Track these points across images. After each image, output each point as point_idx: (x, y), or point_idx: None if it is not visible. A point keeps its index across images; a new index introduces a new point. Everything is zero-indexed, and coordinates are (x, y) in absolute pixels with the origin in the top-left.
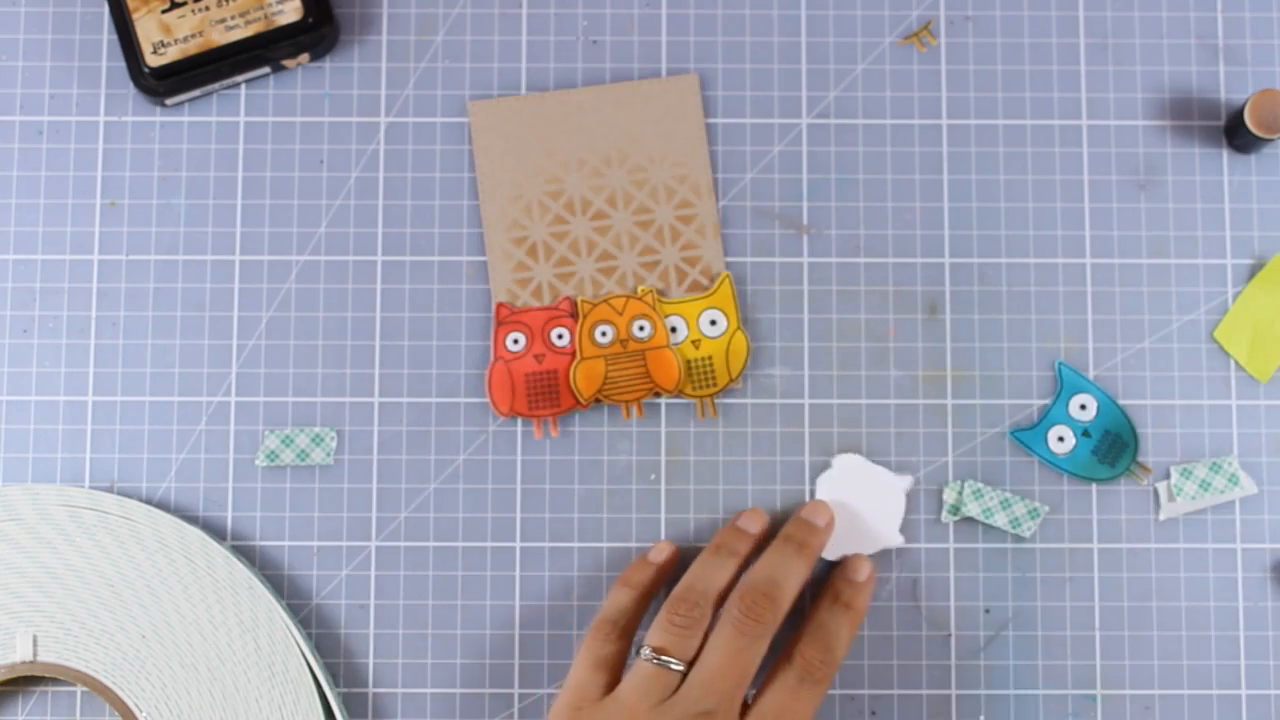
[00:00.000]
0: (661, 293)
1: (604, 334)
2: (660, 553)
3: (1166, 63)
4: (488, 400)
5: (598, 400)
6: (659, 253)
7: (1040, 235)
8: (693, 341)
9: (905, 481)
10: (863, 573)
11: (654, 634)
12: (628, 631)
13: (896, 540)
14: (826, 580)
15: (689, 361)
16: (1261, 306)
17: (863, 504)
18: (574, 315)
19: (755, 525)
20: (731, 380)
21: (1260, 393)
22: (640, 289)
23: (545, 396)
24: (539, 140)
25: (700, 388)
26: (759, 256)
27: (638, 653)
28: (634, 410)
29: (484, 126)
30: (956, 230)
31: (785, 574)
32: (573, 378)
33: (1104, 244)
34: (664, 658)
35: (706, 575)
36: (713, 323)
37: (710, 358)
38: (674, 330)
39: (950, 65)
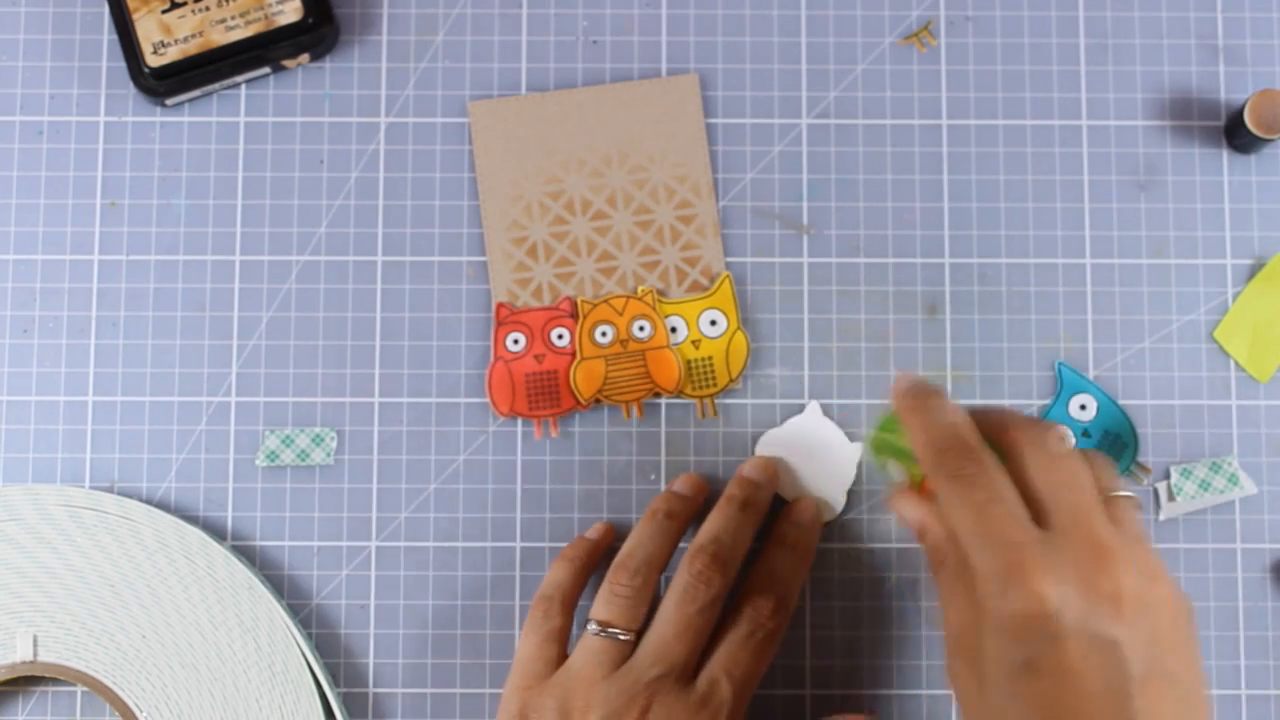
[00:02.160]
0: (661, 293)
1: (604, 334)
2: (596, 530)
3: (1166, 63)
4: (488, 400)
5: (598, 400)
6: (659, 253)
7: (1040, 235)
8: (693, 341)
9: (856, 450)
10: (807, 514)
11: (597, 606)
12: (567, 606)
13: (838, 505)
14: (773, 524)
15: (689, 362)
16: (1261, 306)
17: (811, 461)
18: (574, 315)
19: (690, 489)
20: (731, 380)
21: (1260, 393)
22: (640, 289)
23: (545, 396)
24: (539, 140)
25: (700, 388)
26: (759, 256)
27: (584, 627)
28: (634, 410)
29: (484, 126)
30: (956, 230)
31: (731, 534)
32: (573, 378)
33: (1104, 244)
34: (610, 629)
35: (645, 543)
36: (713, 323)
37: (710, 358)
38: (674, 330)
39: (950, 65)
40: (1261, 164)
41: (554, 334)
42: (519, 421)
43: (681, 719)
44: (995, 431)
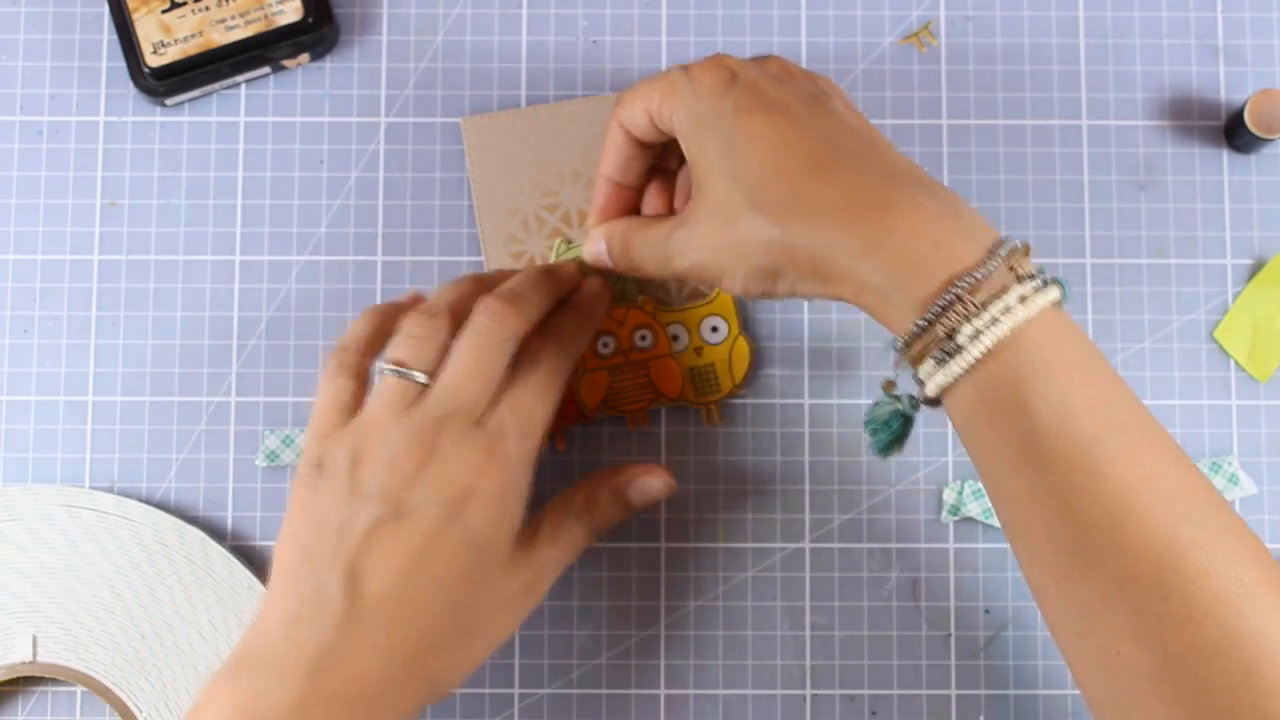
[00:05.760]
0: (661, 301)
1: (605, 345)
2: (405, 296)
3: (1166, 63)
4: None
5: (602, 412)
6: None
7: (1040, 235)
8: (695, 349)
9: None
10: (595, 283)
11: (390, 349)
12: (363, 358)
13: None
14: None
15: (692, 369)
16: (1261, 306)
17: None
18: None
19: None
20: (735, 386)
21: (1260, 393)
22: (640, 298)
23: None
24: (533, 154)
25: (704, 394)
26: None
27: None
28: (639, 421)
29: (477, 143)
30: None
31: (529, 287)
32: (576, 391)
33: (1104, 244)
34: (403, 369)
35: (446, 294)
36: (714, 329)
37: (713, 364)
38: (675, 339)
39: (950, 65)
40: (1261, 164)
41: None
42: None
43: (467, 459)
44: None
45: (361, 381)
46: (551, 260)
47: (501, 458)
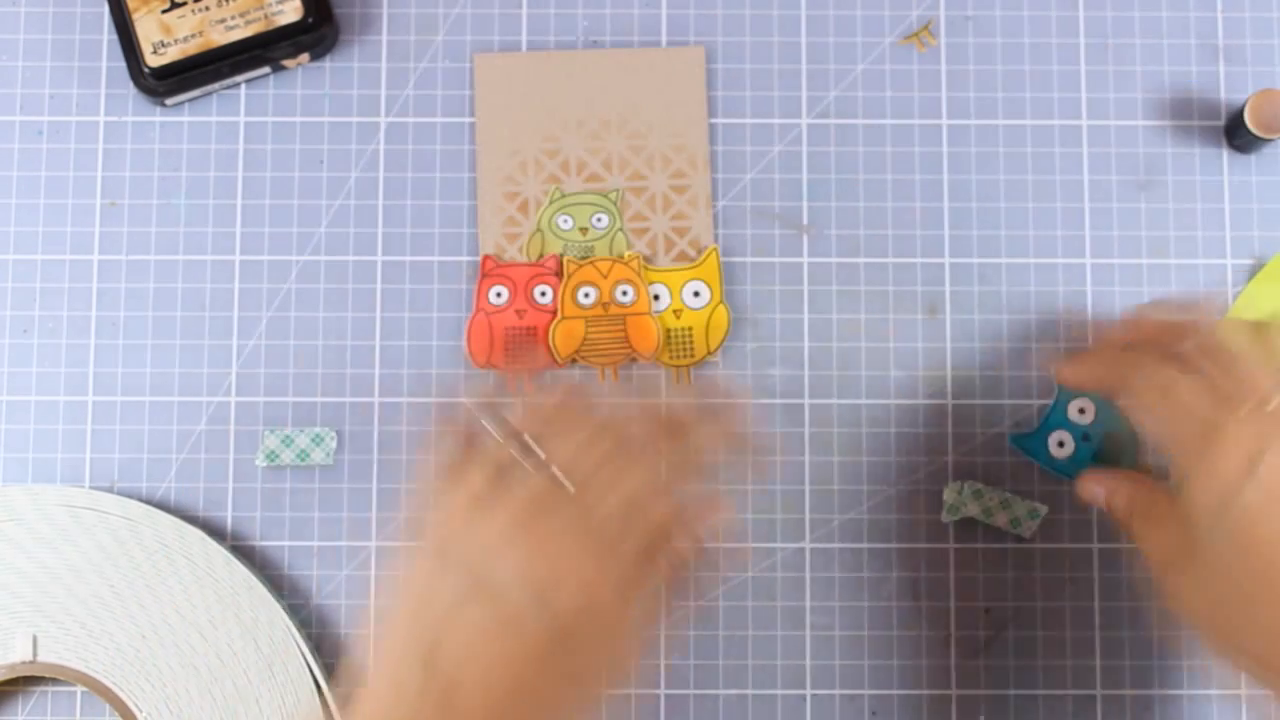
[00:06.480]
0: (648, 259)
1: (586, 295)
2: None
3: (1166, 63)
4: (465, 351)
5: (574, 361)
6: (649, 220)
7: (1040, 235)
8: (674, 311)
9: None
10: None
11: (559, 447)
12: (499, 457)
13: None
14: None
15: (669, 330)
16: (1261, 306)
17: None
18: (559, 274)
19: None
20: (710, 352)
21: None
22: (627, 254)
23: (523, 352)
24: (541, 98)
25: (678, 357)
26: (759, 256)
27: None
28: (609, 374)
29: (488, 80)
30: (956, 230)
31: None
32: (551, 336)
33: (1104, 244)
34: (559, 478)
35: (616, 419)
36: (696, 294)
37: (690, 329)
38: (657, 298)
39: (950, 65)
40: (1261, 164)
41: (537, 290)
42: None
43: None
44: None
45: (488, 473)
46: (546, 206)
47: (628, 592)
